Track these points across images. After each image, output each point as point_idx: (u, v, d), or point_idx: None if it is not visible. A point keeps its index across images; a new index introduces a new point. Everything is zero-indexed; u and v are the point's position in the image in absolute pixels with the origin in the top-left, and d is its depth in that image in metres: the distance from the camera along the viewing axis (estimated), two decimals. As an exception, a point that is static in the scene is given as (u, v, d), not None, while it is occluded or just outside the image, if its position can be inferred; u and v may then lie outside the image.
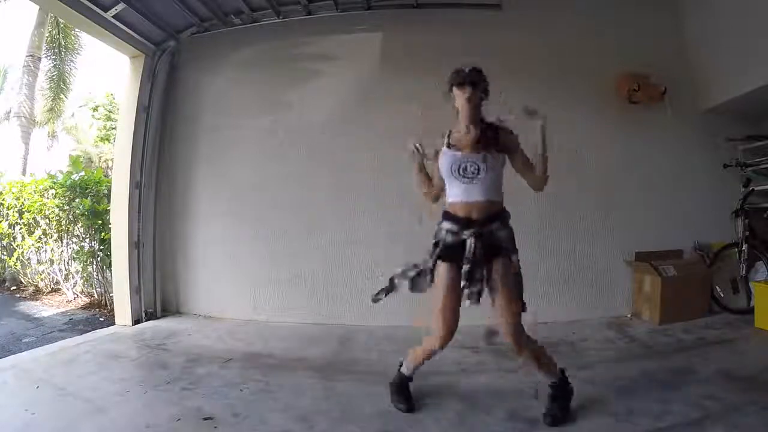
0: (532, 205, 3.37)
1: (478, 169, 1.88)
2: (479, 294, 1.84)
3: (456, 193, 1.92)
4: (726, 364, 2.35)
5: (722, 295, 3.32)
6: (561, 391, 1.92)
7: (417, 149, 2.05)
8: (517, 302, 1.85)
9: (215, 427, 1.89)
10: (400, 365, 2.11)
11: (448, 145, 1.96)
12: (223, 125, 3.78)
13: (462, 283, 1.84)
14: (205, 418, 1.96)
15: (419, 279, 1.97)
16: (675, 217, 3.45)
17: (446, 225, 1.93)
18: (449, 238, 1.90)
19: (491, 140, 1.91)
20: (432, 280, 1.93)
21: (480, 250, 1.83)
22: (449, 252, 1.89)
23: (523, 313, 1.86)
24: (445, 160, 1.94)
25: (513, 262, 1.87)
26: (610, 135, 3.49)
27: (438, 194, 2.06)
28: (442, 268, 1.91)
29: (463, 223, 1.88)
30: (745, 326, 2.97)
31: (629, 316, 3.35)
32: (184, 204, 3.85)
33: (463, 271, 1.84)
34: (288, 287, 3.61)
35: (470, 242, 1.84)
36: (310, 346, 2.97)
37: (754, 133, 3.43)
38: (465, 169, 1.89)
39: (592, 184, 3.45)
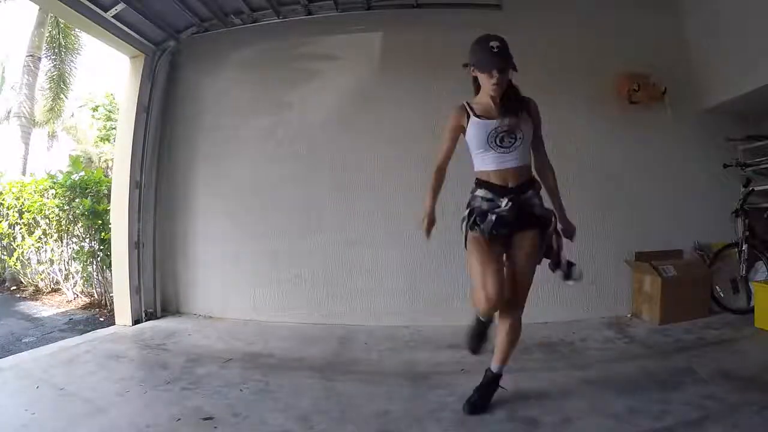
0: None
1: (515, 139, 1.84)
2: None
3: (489, 162, 1.87)
4: (726, 364, 2.35)
5: (722, 295, 3.31)
6: (495, 384, 2.00)
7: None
8: (531, 279, 1.91)
9: (215, 427, 1.89)
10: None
11: (476, 115, 1.87)
12: (223, 125, 3.78)
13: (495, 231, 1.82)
14: (205, 418, 1.96)
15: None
16: (675, 217, 3.44)
17: (481, 192, 1.88)
18: (484, 206, 1.86)
19: (519, 106, 1.86)
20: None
21: (515, 214, 1.82)
22: (483, 220, 1.84)
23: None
24: (477, 131, 1.85)
25: (550, 229, 1.88)
26: (610, 135, 3.48)
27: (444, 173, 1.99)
28: (476, 241, 1.85)
29: (499, 190, 1.85)
30: (745, 326, 2.97)
31: (629, 316, 3.35)
32: (184, 204, 3.84)
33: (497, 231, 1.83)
34: (288, 287, 3.61)
35: (505, 204, 1.82)
36: (310, 346, 2.97)
37: (754, 133, 3.42)
38: (502, 139, 1.83)
39: (591, 184, 3.44)
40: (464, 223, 1.90)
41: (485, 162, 1.88)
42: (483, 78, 1.83)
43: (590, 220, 3.45)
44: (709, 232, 3.44)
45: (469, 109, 1.89)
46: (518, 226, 1.85)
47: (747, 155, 3.44)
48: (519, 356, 2.65)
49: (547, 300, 3.35)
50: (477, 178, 1.93)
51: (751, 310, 3.06)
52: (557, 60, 3.46)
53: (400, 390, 2.23)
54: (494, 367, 2.00)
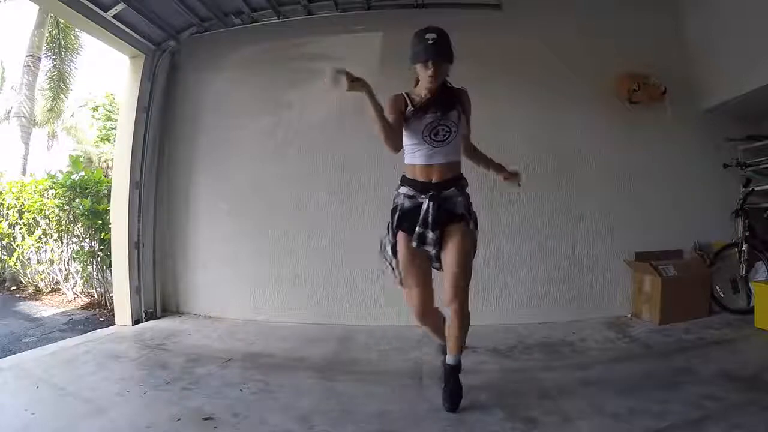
0: (532, 205, 3.38)
1: (450, 132, 1.87)
2: (437, 258, 1.89)
3: (419, 156, 1.90)
4: (726, 364, 2.35)
5: (722, 295, 3.31)
6: (455, 376, 1.97)
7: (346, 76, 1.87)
8: (467, 269, 1.87)
9: (215, 427, 1.89)
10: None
11: (414, 106, 1.91)
12: (223, 125, 3.78)
13: (413, 243, 1.87)
14: (205, 418, 1.95)
15: (385, 247, 1.99)
16: (675, 217, 3.44)
17: (404, 190, 1.94)
18: (407, 204, 1.92)
19: (454, 101, 1.90)
20: (393, 253, 1.94)
21: (435, 212, 1.84)
22: (408, 218, 1.90)
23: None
24: (413, 123, 1.89)
25: (469, 229, 1.89)
26: (609, 135, 3.48)
27: (399, 145, 1.93)
28: (402, 240, 1.91)
29: (421, 186, 1.89)
30: (745, 326, 2.97)
31: (629, 316, 3.35)
32: (184, 204, 3.84)
33: (415, 233, 1.87)
34: (288, 287, 3.61)
35: (426, 204, 1.86)
36: (310, 346, 2.97)
37: (754, 133, 3.42)
38: (437, 132, 1.87)
39: (591, 184, 3.45)
40: (392, 224, 1.95)
41: (414, 157, 1.92)
42: (420, 70, 1.86)
43: (590, 220, 3.45)
44: (709, 232, 3.44)
45: (407, 100, 1.92)
46: (440, 225, 1.86)
47: (747, 155, 3.44)
48: (519, 356, 2.67)
49: (547, 300, 3.36)
50: (403, 175, 1.97)
51: (751, 310, 3.06)
52: (557, 60, 3.45)
53: (400, 390, 2.23)
54: (450, 359, 1.98)
